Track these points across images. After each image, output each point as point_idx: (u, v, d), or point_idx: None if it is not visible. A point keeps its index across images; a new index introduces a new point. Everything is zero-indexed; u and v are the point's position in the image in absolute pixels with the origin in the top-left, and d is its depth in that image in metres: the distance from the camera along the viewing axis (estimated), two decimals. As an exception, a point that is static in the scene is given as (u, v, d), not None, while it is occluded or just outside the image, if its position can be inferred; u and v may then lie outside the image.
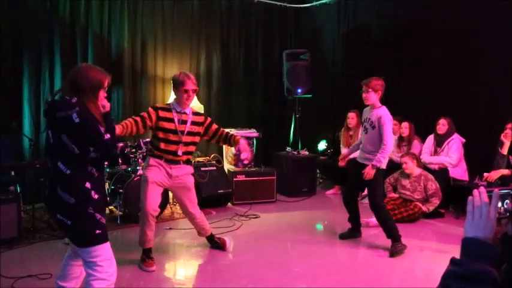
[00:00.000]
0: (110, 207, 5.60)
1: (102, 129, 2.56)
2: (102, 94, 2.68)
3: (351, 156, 6.54)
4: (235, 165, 6.71)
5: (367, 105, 4.56)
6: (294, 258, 4.39)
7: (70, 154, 2.54)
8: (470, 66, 5.91)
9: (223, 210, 6.00)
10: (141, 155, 5.47)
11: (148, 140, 5.57)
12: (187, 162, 4.15)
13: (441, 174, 5.67)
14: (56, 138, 2.56)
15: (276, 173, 6.50)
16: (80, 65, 2.79)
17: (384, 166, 4.42)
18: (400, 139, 6.29)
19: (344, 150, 6.74)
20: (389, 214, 4.62)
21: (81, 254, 2.67)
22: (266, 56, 8.22)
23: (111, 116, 2.77)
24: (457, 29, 6.01)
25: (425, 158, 5.95)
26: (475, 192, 1.37)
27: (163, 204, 5.51)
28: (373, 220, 5.23)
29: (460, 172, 5.77)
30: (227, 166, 6.91)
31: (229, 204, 6.26)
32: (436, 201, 5.48)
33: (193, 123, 4.09)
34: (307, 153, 7.10)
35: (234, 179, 6.27)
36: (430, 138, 6.03)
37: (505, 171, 5.21)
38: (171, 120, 3.98)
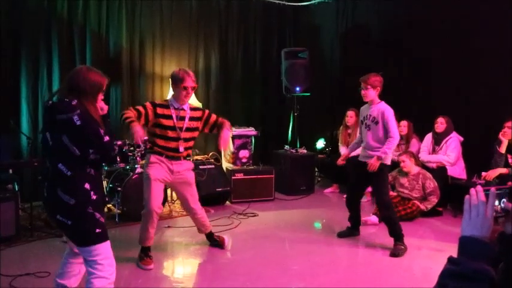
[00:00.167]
0: (108, 206, 5.60)
1: (102, 132, 2.59)
2: (101, 96, 2.72)
3: (351, 154, 6.57)
4: (234, 163, 6.71)
5: (365, 103, 4.56)
6: (292, 257, 4.40)
7: (71, 156, 2.57)
8: (468, 65, 5.92)
9: (221, 208, 6.01)
10: (139, 153, 5.47)
11: (146, 138, 5.57)
12: (187, 157, 4.17)
13: (439, 172, 5.68)
14: (56, 140, 2.57)
15: (275, 171, 6.51)
16: (79, 67, 2.80)
17: (388, 162, 4.41)
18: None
19: (343, 149, 6.77)
20: (395, 212, 4.58)
21: (82, 253, 2.68)
22: (264, 54, 8.22)
23: (108, 118, 2.79)
24: (456, 27, 6.01)
25: (424, 156, 5.96)
26: (472, 191, 1.38)
27: (162, 203, 5.52)
28: (371, 218, 5.25)
29: (458, 170, 5.78)
30: (225, 164, 6.90)
31: (227, 202, 6.26)
32: (434, 200, 5.49)
33: (192, 118, 4.10)
34: (305, 151, 7.10)
35: (233, 177, 6.27)
36: (428, 137, 6.04)
37: (503, 170, 5.22)
38: (169, 117, 3.98)
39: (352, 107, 6.56)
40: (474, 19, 5.78)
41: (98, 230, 2.63)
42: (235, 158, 6.70)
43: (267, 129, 7.84)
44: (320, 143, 7.74)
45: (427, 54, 6.39)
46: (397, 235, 4.38)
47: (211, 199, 6.01)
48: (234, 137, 6.71)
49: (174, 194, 6.21)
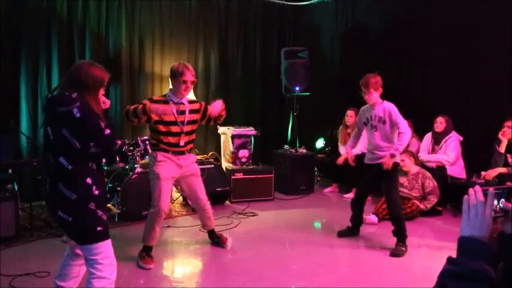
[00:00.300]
0: (108, 205, 5.60)
1: (103, 125, 2.57)
2: (102, 91, 2.70)
3: (354, 152, 6.57)
4: (233, 163, 6.71)
5: (365, 103, 4.55)
6: (292, 256, 4.40)
7: (71, 149, 2.54)
8: (468, 64, 5.92)
9: (221, 208, 6.00)
10: (138, 153, 5.47)
11: (145, 138, 5.58)
12: (191, 150, 4.20)
13: (439, 172, 5.68)
14: (57, 134, 2.55)
15: (274, 171, 6.51)
16: (81, 61, 2.80)
17: (398, 159, 4.43)
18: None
19: (342, 149, 6.77)
20: (402, 213, 4.57)
21: (83, 251, 2.67)
22: (264, 54, 8.21)
23: (109, 113, 2.78)
24: (455, 26, 6.01)
25: (423, 156, 5.96)
26: (471, 191, 1.38)
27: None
28: (371, 218, 5.26)
29: (457, 170, 5.78)
30: (225, 164, 6.90)
31: (227, 202, 6.26)
32: (433, 199, 5.49)
33: (191, 111, 4.13)
34: (305, 151, 7.10)
35: (232, 177, 6.27)
36: (428, 136, 6.04)
37: (503, 170, 5.22)
38: (170, 112, 3.99)
39: (352, 107, 6.56)
40: (474, 19, 5.78)
41: (99, 228, 2.60)
42: (234, 158, 6.70)
43: (266, 129, 7.83)
44: (320, 143, 7.74)
45: (427, 54, 6.39)
46: (401, 235, 4.38)
47: (211, 199, 5.90)
48: (233, 137, 6.72)
49: (173, 194, 6.22)
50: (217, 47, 7.69)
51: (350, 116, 6.65)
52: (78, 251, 2.80)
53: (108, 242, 2.67)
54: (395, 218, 4.44)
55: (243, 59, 8.01)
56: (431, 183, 5.47)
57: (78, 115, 2.47)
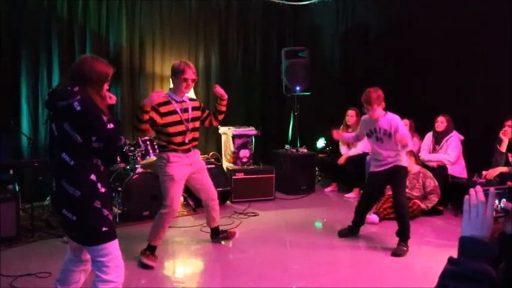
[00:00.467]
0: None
1: (105, 118, 2.48)
2: (106, 86, 2.64)
3: (350, 153, 6.57)
4: (234, 163, 6.71)
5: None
6: (293, 256, 4.40)
7: (73, 144, 2.46)
8: (469, 64, 5.91)
9: (222, 208, 5.93)
10: (139, 153, 5.47)
11: (146, 138, 5.57)
12: (194, 147, 4.24)
13: (440, 171, 5.67)
14: (59, 129, 2.48)
15: (275, 171, 6.50)
16: (84, 56, 2.72)
17: (405, 163, 4.50)
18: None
19: (343, 149, 6.78)
20: (408, 213, 4.59)
21: (90, 252, 2.59)
22: (264, 54, 8.21)
23: (114, 108, 2.73)
24: (456, 26, 6.00)
25: (424, 155, 5.95)
26: (472, 191, 1.38)
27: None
28: (371, 217, 5.25)
29: (458, 169, 5.78)
30: (226, 164, 6.90)
31: (228, 202, 6.25)
32: (434, 199, 5.48)
33: (193, 108, 4.17)
34: (305, 151, 7.10)
35: (233, 177, 6.27)
36: (429, 136, 6.03)
37: (504, 169, 5.21)
38: (174, 112, 4.01)
39: (353, 106, 6.56)
40: (474, 19, 5.77)
41: (104, 228, 2.52)
42: (235, 158, 6.70)
43: (267, 129, 7.83)
44: (320, 143, 7.73)
45: (427, 54, 6.38)
46: (404, 236, 4.39)
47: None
48: (234, 137, 6.72)
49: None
50: (218, 46, 7.69)
51: (351, 115, 6.65)
52: (81, 256, 2.74)
53: (115, 243, 2.58)
54: (401, 218, 4.44)
55: (243, 58, 8.01)
56: (432, 182, 5.47)
57: (78, 108, 2.40)
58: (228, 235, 4.63)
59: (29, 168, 5.58)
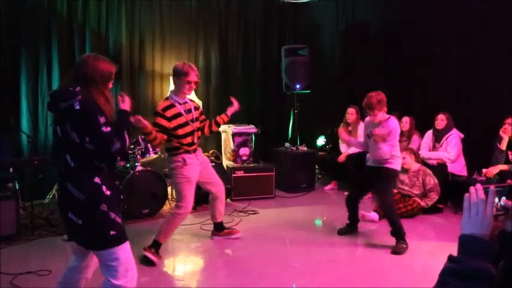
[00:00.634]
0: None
1: (102, 120, 2.39)
2: (110, 85, 2.60)
3: (350, 151, 6.56)
4: (234, 161, 6.71)
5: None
6: (293, 254, 4.40)
7: (72, 144, 2.41)
8: (470, 61, 5.90)
9: (222, 206, 6.00)
10: (139, 151, 5.46)
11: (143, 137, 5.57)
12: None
13: (440, 169, 5.67)
14: (63, 130, 2.44)
15: (275, 169, 6.50)
16: (86, 55, 2.65)
17: (398, 167, 4.49)
18: (400, 134, 6.25)
19: (343, 147, 6.77)
20: (397, 214, 4.61)
21: (98, 257, 2.51)
22: (264, 52, 8.20)
23: (126, 114, 2.65)
24: (457, 24, 5.99)
25: (424, 153, 5.95)
26: (472, 189, 1.37)
27: (162, 201, 5.52)
28: (371, 215, 5.26)
29: (458, 167, 5.77)
30: (226, 162, 6.91)
31: (228, 200, 6.22)
32: (434, 197, 5.48)
33: (195, 108, 4.25)
34: (305, 148, 7.10)
35: (233, 175, 6.27)
36: (429, 134, 6.03)
37: (504, 167, 5.21)
38: (179, 114, 4.05)
39: (353, 104, 6.56)
40: (474, 19, 5.75)
41: (112, 232, 2.43)
42: (235, 156, 6.70)
43: (267, 127, 7.83)
44: (320, 141, 7.73)
45: (427, 51, 6.36)
46: (398, 235, 4.39)
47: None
48: (234, 135, 6.72)
49: (174, 192, 6.22)
50: (218, 45, 7.68)
51: (351, 113, 6.64)
52: (84, 262, 2.68)
53: (125, 246, 2.48)
54: (391, 220, 4.46)
55: (243, 57, 8.00)
56: (432, 180, 5.47)
57: (77, 107, 2.35)
58: (231, 231, 4.72)
59: (29, 167, 5.59)
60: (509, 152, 5.26)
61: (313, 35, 8.23)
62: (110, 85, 2.60)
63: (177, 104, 4.06)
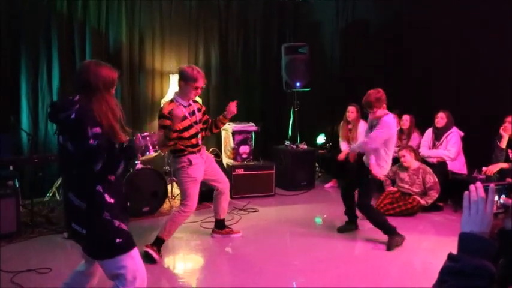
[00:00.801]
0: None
1: (91, 132, 2.32)
2: (112, 91, 2.54)
3: (350, 150, 6.53)
4: (234, 159, 6.71)
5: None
6: (293, 252, 4.41)
7: (68, 152, 2.39)
8: (470, 59, 5.90)
9: (222, 204, 6.00)
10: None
11: (146, 134, 5.56)
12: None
13: (440, 167, 5.67)
14: (63, 140, 2.42)
15: (275, 167, 6.50)
16: (86, 62, 2.61)
17: (379, 175, 4.42)
18: (400, 132, 6.26)
19: (343, 145, 6.76)
20: (376, 212, 4.66)
21: (104, 266, 2.46)
22: (264, 50, 8.19)
23: (133, 149, 2.75)
24: (457, 23, 5.98)
25: (424, 151, 5.95)
26: (471, 187, 1.37)
27: (163, 199, 5.53)
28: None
29: (458, 165, 5.77)
30: (226, 160, 6.91)
31: (228, 198, 6.26)
32: (434, 195, 5.48)
33: (198, 110, 4.27)
34: (305, 146, 7.10)
35: (233, 173, 6.26)
36: (429, 132, 6.03)
37: (504, 165, 5.20)
38: (184, 117, 4.07)
39: (353, 102, 6.55)
40: (474, 19, 5.74)
41: (118, 240, 2.38)
42: (235, 154, 6.70)
43: (267, 125, 7.82)
44: (320, 139, 7.73)
45: (427, 50, 6.36)
46: (389, 232, 4.41)
47: (212, 195, 5.98)
48: (234, 133, 6.72)
49: (174, 190, 6.23)
50: (218, 43, 7.67)
51: (351, 111, 6.64)
52: (90, 270, 2.66)
53: (132, 254, 2.44)
54: (372, 220, 4.49)
55: (243, 55, 7.99)
56: (432, 178, 5.47)
57: (73, 116, 2.33)
58: (232, 231, 4.75)
59: (29, 165, 5.58)
60: (509, 150, 5.26)
61: (313, 33, 8.22)
62: (113, 91, 2.55)
63: (181, 107, 4.07)
